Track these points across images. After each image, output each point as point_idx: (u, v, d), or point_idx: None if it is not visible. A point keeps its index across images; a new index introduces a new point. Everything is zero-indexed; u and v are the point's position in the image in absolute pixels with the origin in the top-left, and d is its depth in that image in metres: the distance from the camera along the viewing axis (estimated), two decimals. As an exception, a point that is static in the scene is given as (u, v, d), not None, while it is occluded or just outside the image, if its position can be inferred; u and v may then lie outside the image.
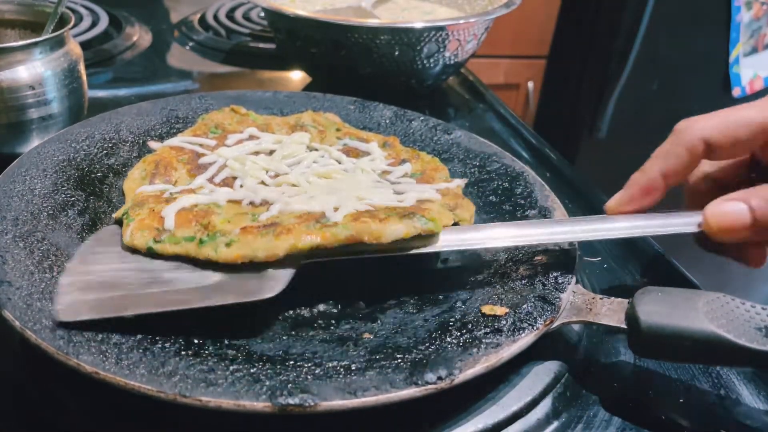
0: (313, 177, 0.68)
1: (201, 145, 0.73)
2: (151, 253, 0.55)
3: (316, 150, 0.74)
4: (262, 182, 0.67)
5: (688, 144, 0.54)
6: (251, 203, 0.60)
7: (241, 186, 0.66)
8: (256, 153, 0.73)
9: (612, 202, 0.59)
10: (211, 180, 0.68)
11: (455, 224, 0.62)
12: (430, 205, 0.62)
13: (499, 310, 0.52)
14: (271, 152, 0.74)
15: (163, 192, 0.64)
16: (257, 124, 0.78)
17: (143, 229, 0.56)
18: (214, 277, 0.52)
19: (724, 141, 0.54)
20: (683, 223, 0.56)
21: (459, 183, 0.71)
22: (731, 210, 0.52)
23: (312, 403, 0.42)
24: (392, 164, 0.74)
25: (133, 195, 0.64)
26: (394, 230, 0.53)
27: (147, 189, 0.64)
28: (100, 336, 0.46)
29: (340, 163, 0.73)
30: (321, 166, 0.71)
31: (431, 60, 0.93)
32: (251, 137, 0.76)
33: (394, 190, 0.67)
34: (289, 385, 0.43)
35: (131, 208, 0.60)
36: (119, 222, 0.60)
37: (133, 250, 0.55)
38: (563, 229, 0.57)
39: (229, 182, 0.68)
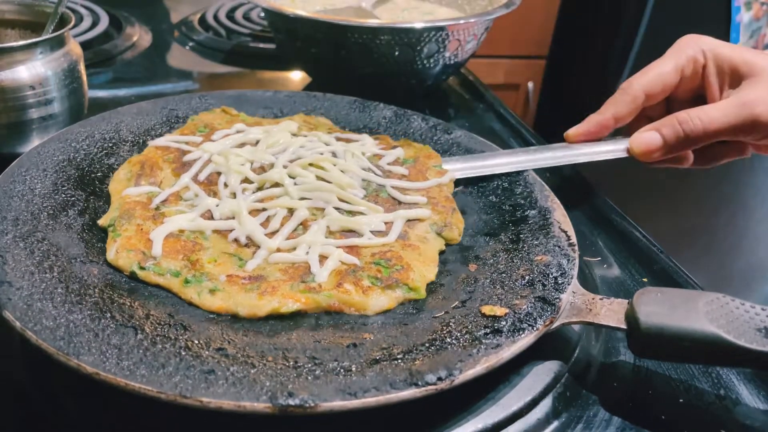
0: (298, 168, 0.66)
1: (187, 143, 0.72)
2: (133, 276, 0.55)
3: (305, 136, 0.74)
4: (246, 179, 0.66)
5: (633, 96, 0.73)
6: (236, 240, 0.59)
7: (225, 186, 0.65)
8: (242, 145, 0.72)
9: (571, 131, 0.76)
10: (195, 178, 0.67)
11: (446, 245, 0.64)
12: (417, 236, 0.62)
13: (499, 311, 0.52)
14: (258, 142, 0.73)
15: (150, 196, 0.64)
16: (248, 124, 0.77)
17: (129, 249, 0.56)
18: None
19: (657, 90, 0.73)
20: (614, 149, 0.74)
21: (451, 177, 0.71)
22: (647, 137, 0.70)
23: (312, 404, 0.42)
24: (384, 149, 0.74)
25: (118, 197, 0.64)
26: (377, 303, 0.54)
27: (132, 191, 0.64)
28: (101, 336, 0.46)
29: (329, 145, 0.72)
30: (308, 150, 0.70)
31: (431, 60, 0.93)
32: (238, 132, 0.75)
33: (387, 192, 0.67)
34: (290, 385, 0.43)
35: (118, 220, 0.60)
36: (103, 229, 0.60)
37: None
38: (519, 159, 0.73)
39: (213, 178, 0.67)
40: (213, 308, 0.52)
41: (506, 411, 0.48)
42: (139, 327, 0.48)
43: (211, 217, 0.62)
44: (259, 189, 0.65)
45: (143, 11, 1.31)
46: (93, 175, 0.67)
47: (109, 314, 0.49)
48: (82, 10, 1.22)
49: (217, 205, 0.63)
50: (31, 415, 0.48)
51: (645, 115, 0.76)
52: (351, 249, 0.59)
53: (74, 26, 0.77)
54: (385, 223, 0.63)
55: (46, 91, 0.72)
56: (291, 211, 0.62)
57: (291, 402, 0.42)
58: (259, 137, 0.73)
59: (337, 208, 0.63)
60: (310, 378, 0.45)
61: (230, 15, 1.33)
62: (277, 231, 0.60)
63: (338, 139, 0.75)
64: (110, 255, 0.56)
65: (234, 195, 0.64)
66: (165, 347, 0.46)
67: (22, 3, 0.80)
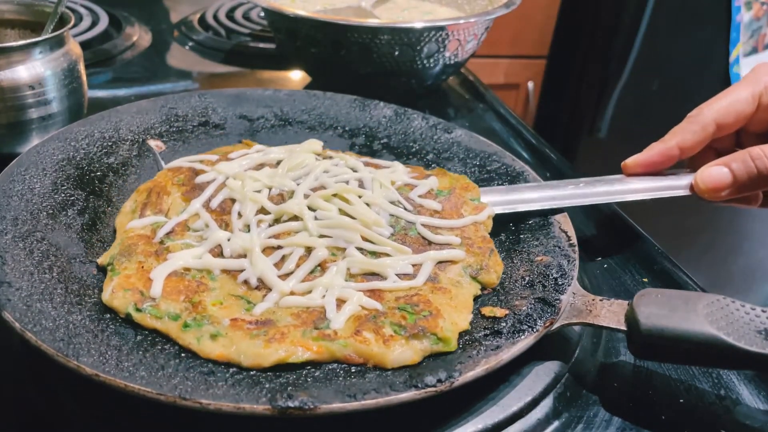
0: (320, 201, 0.60)
1: (202, 161, 0.67)
2: (129, 320, 0.50)
3: (330, 158, 0.68)
4: (262, 209, 0.60)
5: (702, 125, 0.65)
6: (246, 282, 0.54)
7: (239, 216, 0.60)
8: (261, 166, 0.66)
9: (630, 161, 0.68)
10: (206, 205, 0.61)
11: (482, 289, 0.57)
12: (449, 279, 0.56)
13: (499, 312, 0.52)
14: (279, 163, 0.67)
15: (155, 228, 0.59)
16: None
17: (126, 289, 0.51)
18: None
19: (730, 120, 0.65)
20: (675, 185, 0.66)
21: (489, 213, 0.64)
22: (716, 173, 0.62)
23: (312, 406, 0.42)
24: (416, 178, 0.68)
25: (122, 231, 0.59)
26: (400, 357, 0.47)
27: (136, 224, 0.59)
28: (100, 337, 0.46)
29: (355, 171, 0.66)
30: (332, 176, 0.64)
31: (431, 60, 0.93)
32: (258, 152, 0.69)
33: (417, 230, 0.61)
34: (289, 387, 0.43)
35: (117, 258, 0.55)
36: (102, 269, 0.56)
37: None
38: (567, 193, 0.66)
39: (226, 206, 0.61)
40: (212, 356, 0.47)
41: (506, 411, 0.48)
42: (139, 328, 0.48)
43: (221, 253, 0.57)
44: (276, 221, 0.60)
45: (143, 11, 1.31)
46: (92, 175, 0.67)
47: (108, 315, 0.49)
48: (82, 10, 1.21)
49: (229, 240, 0.57)
50: (30, 415, 0.48)
51: (712, 147, 0.69)
52: (373, 293, 0.54)
53: (74, 26, 0.77)
54: (413, 265, 0.57)
55: (45, 91, 0.72)
56: (309, 249, 0.57)
57: (290, 404, 0.42)
58: (280, 157, 0.67)
59: (360, 248, 0.58)
60: (309, 380, 0.44)
61: (230, 15, 1.33)
62: (291, 272, 0.55)
63: (367, 164, 0.69)
64: (105, 295, 0.51)
65: (248, 227, 0.59)
66: (165, 348, 0.47)
67: (22, 3, 0.80)
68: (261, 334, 0.48)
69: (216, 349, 0.47)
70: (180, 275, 0.54)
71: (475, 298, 0.56)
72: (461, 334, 0.50)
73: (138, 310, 0.50)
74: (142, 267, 0.54)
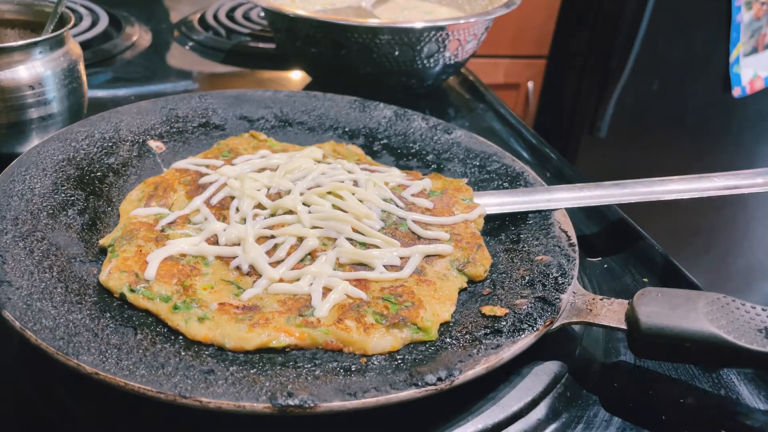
0: (314, 197, 0.62)
1: (207, 166, 0.69)
2: (123, 299, 0.52)
3: (329, 164, 0.70)
4: (259, 205, 0.62)
5: None
6: (238, 269, 0.56)
7: (237, 210, 0.62)
8: (262, 170, 0.68)
9: None
10: (207, 201, 0.64)
11: (468, 282, 0.58)
12: (435, 272, 0.57)
13: (499, 311, 0.52)
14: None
15: (158, 218, 0.61)
16: (274, 150, 0.74)
17: (122, 271, 0.53)
18: None
19: None
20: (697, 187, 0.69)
21: (480, 212, 0.66)
22: None
23: (312, 404, 0.42)
24: (410, 180, 0.70)
25: (126, 217, 0.62)
26: (379, 344, 0.49)
27: (140, 212, 0.61)
28: (100, 336, 0.46)
29: (351, 173, 0.67)
30: (328, 177, 0.66)
31: (431, 60, 0.93)
32: (262, 158, 0.71)
33: (407, 226, 0.62)
34: (289, 386, 0.43)
35: (118, 240, 0.57)
36: (104, 250, 0.58)
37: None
38: (560, 196, 0.67)
39: (226, 203, 0.63)
40: (198, 338, 0.48)
41: (506, 411, 0.48)
42: (139, 327, 0.48)
43: (217, 242, 0.59)
44: (272, 216, 0.62)
45: (143, 11, 1.31)
46: (93, 175, 0.67)
47: (108, 314, 0.49)
48: (82, 10, 1.21)
49: (225, 230, 0.59)
50: (30, 414, 0.48)
51: None
52: (359, 283, 0.55)
53: (74, 26, 0.77)
54: (402, 258, 0.58)
55: (45, 91, 0.72)
56: (301, 240, 0.59)
57: (290, 402, 0.42)
58: (281, 162, 0.69)
59: (351, 240, 0.59)
60: (309, 378, 0.45)
61: (230, 15, 1.33)
62: (282, 260, 0.57)
63: (364, 170, 0.70)
64: (102, 276, 0.53)
65: (244, 221, 0.61)
66: (164, 347, 0.47)
67: (22, 3, 0.80)
68: (246, 319, 0.50)
69: (202, 331, 0.49)
70: (176, 260, 0.56)
71: (475, 298, 0.56)
72: (463, 332, 0.51)
73: (132, 290, 0.52)
74: (141, 251, 0.56)
